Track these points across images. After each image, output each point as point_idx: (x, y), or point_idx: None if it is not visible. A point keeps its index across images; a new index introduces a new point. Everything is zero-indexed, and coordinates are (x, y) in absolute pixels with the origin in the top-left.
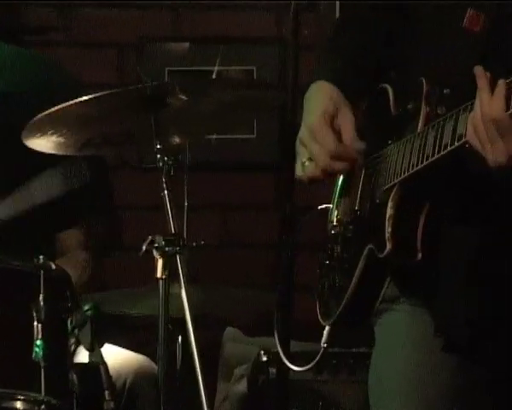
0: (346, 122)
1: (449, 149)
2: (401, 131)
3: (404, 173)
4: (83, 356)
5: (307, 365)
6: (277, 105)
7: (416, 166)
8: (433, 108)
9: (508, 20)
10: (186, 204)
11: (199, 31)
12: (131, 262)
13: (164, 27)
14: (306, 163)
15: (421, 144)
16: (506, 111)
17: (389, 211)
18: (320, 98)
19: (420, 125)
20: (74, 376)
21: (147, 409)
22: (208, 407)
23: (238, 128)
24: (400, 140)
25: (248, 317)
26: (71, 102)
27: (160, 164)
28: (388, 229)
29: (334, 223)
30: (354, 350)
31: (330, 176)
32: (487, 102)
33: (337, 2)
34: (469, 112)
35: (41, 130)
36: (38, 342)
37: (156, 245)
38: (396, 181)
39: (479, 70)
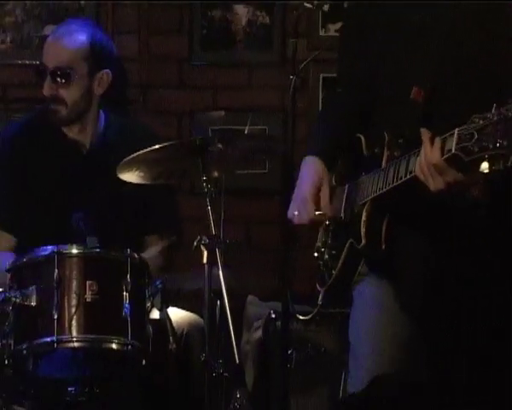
0: (324, 195)
1: (403, 179)
2: (370, 166)
3: (374, 194)
4: (155, 314)
5: (305, 321)
6: (281, 151)
7: (381, 190)
8: (392, 152)
9: (443, 95)
10: (222, 217)
11: (230, 103)
12: (187, 253)
13: (207, 101)
14: (296, 213)
15: (384, 175)
16: (441, 157)
17: (363, 218)
18: (311, 171)
19: (383, 163)
20: (150, 327)
21: (196, 350)
22: (236, 347)
23: (256, 166)
24: (370, 173)
25: (261, 289)
26: (149, 149)
27: (205, 190)
28: (363, 230)
29: (327, 222)
30: (332, 310)
31: (310, 226)
32: (429, 152)
33: (320, 88)
34: (417, 156)
35: (130, 167)
36: (126, 305)
37: (203, 242)
38: (368, 199)
39: (424, 131)
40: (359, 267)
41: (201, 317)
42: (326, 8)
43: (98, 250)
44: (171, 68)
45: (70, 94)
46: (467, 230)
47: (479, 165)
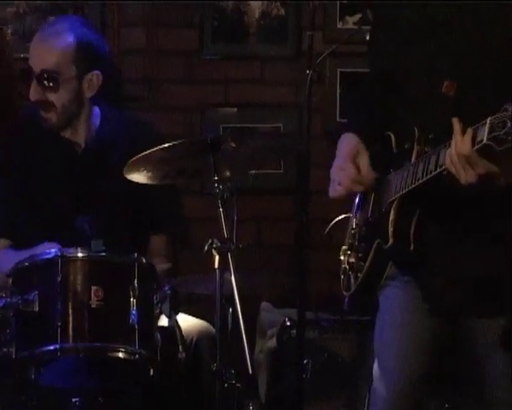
0: (363, 160)
1: (433, 173)
2: (400, 163)
3: (403, 191)
4: (164, 321)
5: (317, 328)
6: (296, 150)
7: (411, 185)
8: (422, 147)
9: (473, 88)
10: (235, 218)
11: (243, 99)
12: (198, 257)
13: (218, 96)
14: (338, 187)
15: (414, 171)
16: (472, 148)
17: (391, 216)
18: (346, 145)
19: (413, 158)
20: (158, 335)
21: (207, 359)
22: (249, 357)
23: (270, 165)
24: (399, 169)
25: (276, 295)
26: (156, 148)
27: (217, 190)
28: (391, 229)
29: (354, 226)
30: (350, 318)
31: (351, 195)
32: (460, 142)
33: (337, 83)
34: (447, 149)
35: (136, 168)
36: (134, 312)
37: (214, 246)
38: (397, 196)
39: (455, 120)
40: (387, 269)
41: (212, 324)
42: None
43: (104, 254)
44: (179, 62)
45: (58, 98)
46: (501, 227)
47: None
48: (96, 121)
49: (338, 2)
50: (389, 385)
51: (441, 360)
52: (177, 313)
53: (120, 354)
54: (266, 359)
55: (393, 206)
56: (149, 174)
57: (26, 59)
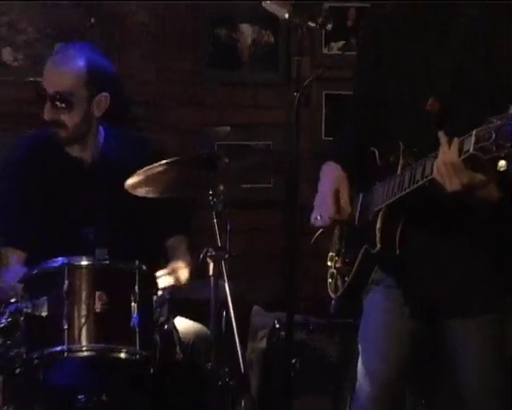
0: (344, 196)
1: (420, 183)
2: (385, 175)
3: (389, 200)
4: (162, 324)
5: (305, 330)
6: (285, 166)
7: (397, 194)
8: (406, 160)
9: (455, 105)
10: (228, 228)
11: (236, 120)
12: (195, 265)
13: (214, 118)
14: (318, 218)
15: (399, 181)
16: (459, 157)
17: (378, 224)
18: (329, 176)
19: (399, 170)
20: (157, 337)
21: (202, 359)
22: (242, 357)
23: (261, 180)
24: (384, 180)
25: (266, 299)
26: (157, 164)
27: (211, 203)
28: (378, 235)
29: (340, 233)
30: (335, 320)
31: (331, 229)
32: (447, 152)
33: (323, 104)
34: (433, 160)
35: (137, 182)
36: (135, 316)
37: (209, 254)
38: (383, 205)
39: (441, 133)
40: (372, 274)
41: (208, 327)
42: (329, 27)
43: (107, 262)
44: (178, 87)
45: (70, 118)
46: (482, 231)
47: (496, 163)
48: (101, 139)
49: (323, 31)
50: (372, 381)
51: (420, 359)
52: (175, 317)
53: (122, 355)
54: (257, 359)
55: (380, 214)
56: (149, 189)
57: (37, 82)
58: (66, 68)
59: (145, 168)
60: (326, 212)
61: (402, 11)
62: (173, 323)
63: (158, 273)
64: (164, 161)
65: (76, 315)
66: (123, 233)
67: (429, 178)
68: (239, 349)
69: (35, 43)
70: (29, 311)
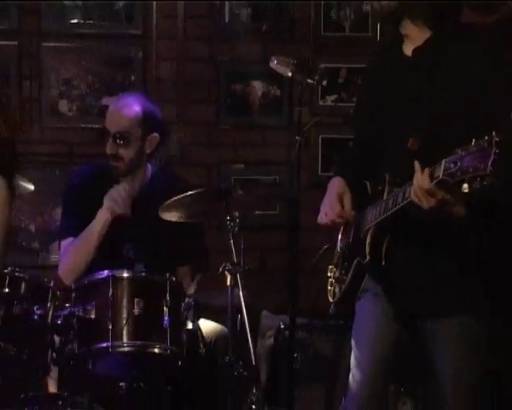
0: (347, 200)
1: (401, 204)
2: (374, 200)
3: (377, 220)
4: (189, 325)
5: (305, 331)
6: (288, 196)
7: (383, 215)
8: (391, 187)
9: (431, 144)
10: (242, 247)
11: (248, 157)
12: (215, 277)
13: (230, 156)
14: (324, 215)
15: (385, 204)
16: (431, 182)
17: (368, 240)
18: (335, 185)
19: (385, 196)
20: (184, 335)
21: (222, 353)
22: (253, 352)
23: (268, 208)
24: (373, 204)
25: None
26: (184, 194)
27: (229, 226)
28: (367, 249)
29: (338, 249)
30: (330, 323)
31: (335, 226)
32: (420, 179)
33: (319, 146)
34: (411, 186)
35: (168, 209)
36: (166, 318)
37: (227, 268)
38: (372, 224)
39: (416, 163)
40: (363, 282)
41: (226, 327)
42: (324, 83)
43: (144, 274)
44: (202, 130)
45: (127, 153)
46: (454, 244)
47: (461, 186)
48: (149, 175)
49: (319, 86)
50: (362, 371)
51: (402, 354)
52: (199, 319)
53: (156, 350)
54: (266, 353)
55: (370, 232)
56: (178, 214)
57: (87, 128)
58: (126, 112)
59: (176, 197)
60: (331, 210)
61: (390, 58)
62: (198, 324)
63: None
64: (190, 192)
65: (118, 317)
66: (156, 251)
67: (408, 200)
68: (251, 346)
69: (86, 97)
70: (80, 314)
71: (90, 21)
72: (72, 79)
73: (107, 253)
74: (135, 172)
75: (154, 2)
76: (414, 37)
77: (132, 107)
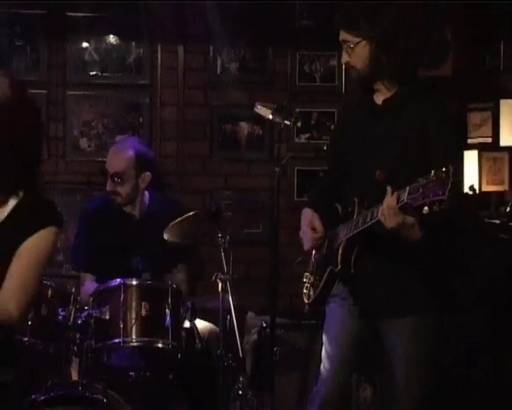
0: (316, 222)
1: (369, 223)
2: (345, 220)
3: (347, 235)
4: (187, 324)
5: (283, 328)
6: (270, 217)
7: (353, 231)
8: (360, 209)
9: (395, 175)
10: (231, 259)
11: (236, 185)
12: (209, 284)
13: (221, 183)
14: (304, 245)
15: (355, 223)
16: (396, 204)
17: (340, 251)
18: (305, 216)
19: (355, 216)
20: (183, 333)
21: (214, 348)
22: (240, 346)
23: (253, 226)
24: (344, 223)
25: (257, 307)
26: (182, 217)
27: (220, 242)
28: (339, 258)
29: (313, 260)
30: (304, 322)
31: (317, 246)
32: (389, 200)
33: (295, 176)
34: (378, 208)
35: (171, 231)
36: (168, 318)
37: (218, 277)
38: (344, 238)
39: (389, 187)
40: (334, 287)
41: (218, 326)
42: (299, 124)
43: (150, 282)
44: (198, 162)
45: (123, 190)
46: (410, 255)
47: (422, 209)
48: (147, 201)
49: (295, 126)
50: (331, 362)
51: (364, 348)
52: (195, 319)
53: (160, 345)
54: (250, 348)
55: (341, 245)
56: (178, 233)
57: (103, 161)
58: (121, 156)
59: (176, 220)
60: (307, 237)
61: (363, 106)
62: (194, 323)
63: None
64: (186, 215)
65: (128, 318)
66: (158, 263)
67: (376, 219)
68: (238, 341)
69: (102, 136)
70: (97, 315)
71: (106, 73)
72: (91, 121)
73: (119, 264)
74: (132, 202)
75: (159, 57)
76: (384, 91)
77: (126, 151)
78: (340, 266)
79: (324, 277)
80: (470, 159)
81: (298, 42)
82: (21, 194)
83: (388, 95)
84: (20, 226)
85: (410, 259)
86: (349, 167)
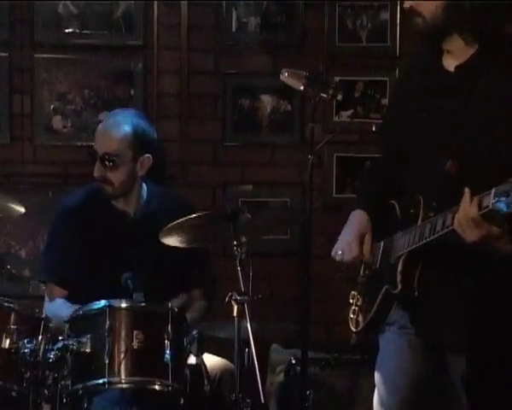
0: (367, 242)
1: (440, 233)
2: (406, 225)
3: (411, 247)
4: (192, 360)
5: (318, 366)
6: (300, 220)
7: (418, 242)
8: (426, 212)
9: (471, 169)
10: (251, 275)
11: (256, 178)
12: (220, 307)
13: (237, 176)
14: (340, 252)
15: (421, 231)
16: (478, 212)
17: (400, 267)
18: (357, 221)
19: (419, 221)
20: (187, 371)
21: (227, 390)
22: (262, 389)
23: (278, 232)
24: (406, 230)
25: (283, 338)
26: (188, 217)
27: (236, 252)
28: (399, 277)
29: (362, 274)
30: (345, 357)
31: (349, 265)
32: (468, 207)
33: (334, 166)
34: (452, 214)
35: (171, 233)
36: (167, 352)
37: (233, 298)
38: (405, 251)
39: (466, 189)
40: (392, 310)
41: (232, 362)
42: (339, 97)
43: (143, 304)
44: (206, 148)
45: (116, 176)
46: (492, 277)
47: None
48: (144, 195)
49: (334, 100)
50: None
51: (429, 390)
52: (203, 353)
53: (156, 387)
54: (276, 391)
55: (401, 259)
56: (180, 239)
57: (83, 147)
58: (114, 132)
59: (178, 220)
60: (349, 251)
61: (429, 72)
62: (202, 358)
63: None
64: (195, 215)
65: (116, 351)
66: (157, 279)
67: (450, 228)
68: (259, 382)
69: (81, 112)
70: (74, 348)
71: (87, 31)
72: (67, 93)
73: (104, 281)
74: (127, 195)
75: (156, 11)
76: (457, 52)
77: (122, 126)
78: (400, 287)
79: (378, 299)
80: None
81: None
82: None
83: (463, 59)
84: None
85: (497, 281)
86: (409, 154)
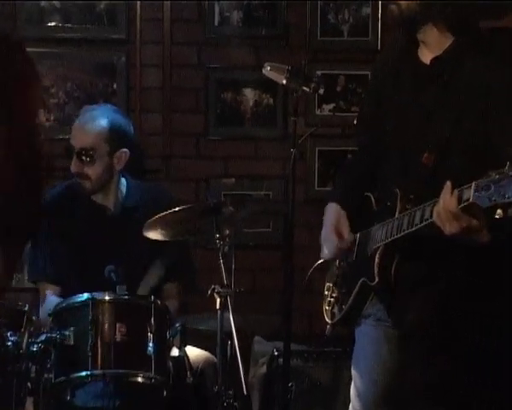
0: (344, 227)
1: (418, 226)
2: (382, 218)
3: (388, 239)
4: (175, 352)
5: (300, 358)
6: (282, 213)
7: (396, 235)
8: (404, 205)
9: (447, 161)
10: (233, 268)
11: (239, 171)
12: (202, 300)
13: (220, 170)
14: (326, 252)
15: (398, 224)
16: (458, 205)
17: (377, 260)
18: (330, 215)
19: (397, 214)
20: (170, 363)
21: (210, 382)
22: (244, 380)
23: (261, 225)
24: (383, 222)
25: (266, 330)
26: (171, 211)
27: (218, 245)
28: (376, 269)
29: (337, 266)
30: (326, 349)
31: (340, 256)
32: (448, 200)
33: (316, 159)
34: (431, 207)
35: (153, 226)
36: (151, 344)
37: (216, 290)
38: (382, 243)
39: (448, 182)
40: (365, 306)
41: (215, 354)
42: (321, 91)
43: (126, 297)
44: (189, 142)
45: (93, 171)
46: (468, 268)
47: (494, 212)
48: (123, 189)
49: (316, 94)
50: (362, 402)
51: (405, 381)
52: (186, 346)
53: (139, 379)
54: (258, 382)
55: (378, 251)
56: (163, 232)
57: (66, 140)
58: (90, 127)
59: (160, 214)
60: (331, 244)
61: (405, 64)
62: (185, 351)
63: None
64: (177, 208)
65: (99, 344)
66: (138, 272)
67: (429, 221)
68: (242, 374)
69: (64, 106)
70: (57, 340)
71: (69, 25)
72: (50, 87)
73: (87, 274)
74: (105, 189)
75: (139, 4)
76: (433, 43)
77: (98, 121)
78: (377, 279)
79: (354, 291)
80: None
81: None
82: None
83: (439, 51)
84: None
85: (471, 270)
86: (386, 147)
